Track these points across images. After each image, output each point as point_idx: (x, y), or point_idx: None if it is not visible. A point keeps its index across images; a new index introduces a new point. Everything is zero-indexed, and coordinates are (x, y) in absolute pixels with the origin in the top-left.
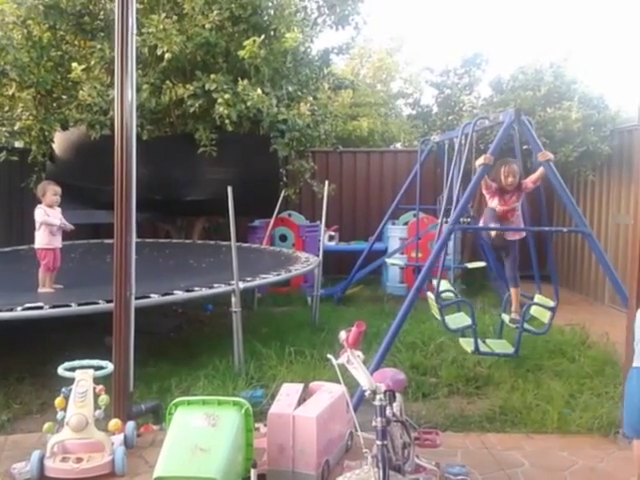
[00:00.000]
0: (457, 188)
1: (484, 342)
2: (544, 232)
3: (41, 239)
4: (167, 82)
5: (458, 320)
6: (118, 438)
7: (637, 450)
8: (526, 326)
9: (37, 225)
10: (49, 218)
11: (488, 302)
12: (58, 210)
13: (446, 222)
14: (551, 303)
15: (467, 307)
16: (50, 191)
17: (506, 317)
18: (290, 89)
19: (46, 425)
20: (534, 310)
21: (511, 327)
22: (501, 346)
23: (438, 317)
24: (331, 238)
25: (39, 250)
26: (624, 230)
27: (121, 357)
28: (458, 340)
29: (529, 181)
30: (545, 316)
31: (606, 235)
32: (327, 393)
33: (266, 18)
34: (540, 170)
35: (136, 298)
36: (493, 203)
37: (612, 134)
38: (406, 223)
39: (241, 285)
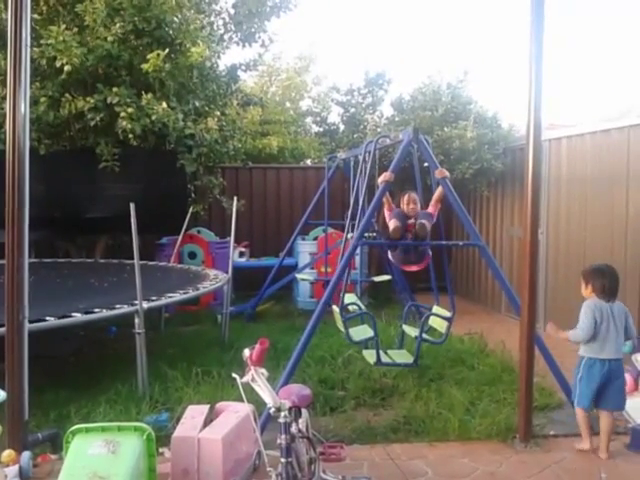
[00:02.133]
0: (361, 204)
1: (386, 353)
2: (441, 246)
3: None
4: (66, 95)
5: (361, 332)
6: (12, 470)
7: (583, 418)
8: (425, 336)
9: None
10: None
11: (393, 314)
12: None
13: (352, 237)
14: (448, 313)
15: (370, 319)
16: None
17: (406, 328)
18: (197, 104)
19: None
20: (432, 320)
21: (412, 338)
22: (401, 356)
23: (342, 329)
24: (241, 254)
25: None
26: (517, 242)
27: (14, 384)
28: (386, 352)
29: (430, 207)
30: (443, 326)
31: (501, 247)
32: (234, 413)
33: (171, 32)
34: (439, 190)
35: (30, 322)
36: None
37: (505, 152)
38: (316, 238)
39: (145, 305)
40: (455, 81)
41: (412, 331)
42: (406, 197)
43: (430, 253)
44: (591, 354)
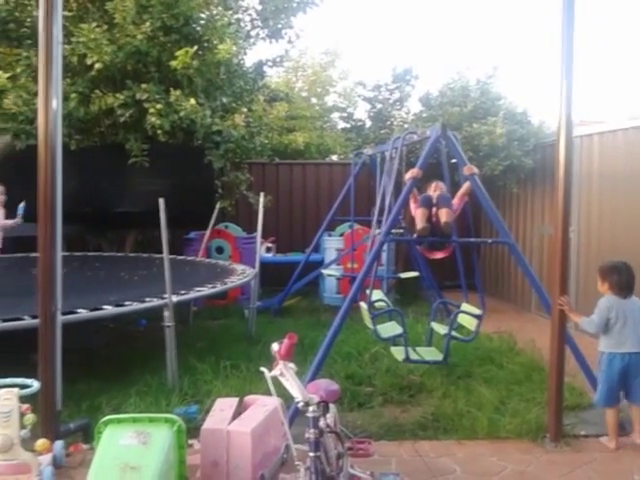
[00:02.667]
0: (388, 200)
1: (414, 350)
2: (469, 243)
3: None
4: (96, 91)
5: (389, 329)
6: (46, 458)
7: (610, 416)
8: (454, 334)
9: None
10: None
11: (420, 311)
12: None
13: (378, 233)
14: (477, 311)
15: (398, 316)
16: None
17: (435, 325)
18: (224, 100)
19: None
20: (461, 318)
21: (441, 335)
22: (430, 353)
23: (370, 326)
24: (268, 250)
25: None
26: (548, 240)
27: (48, 375)
28: (415, 349)
29: (455, 198)
30: (472, 324)
31: (531, 245)
32: (262, 407)
33: (198, 29)
34: (466, 185)
35: (63, 314)
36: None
37: (535, 148)
38: (342, 234)
39: (174, 299)
40: (484, 77)
41: (441, 328)
42: (433, 185)
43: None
44: (611, 349)
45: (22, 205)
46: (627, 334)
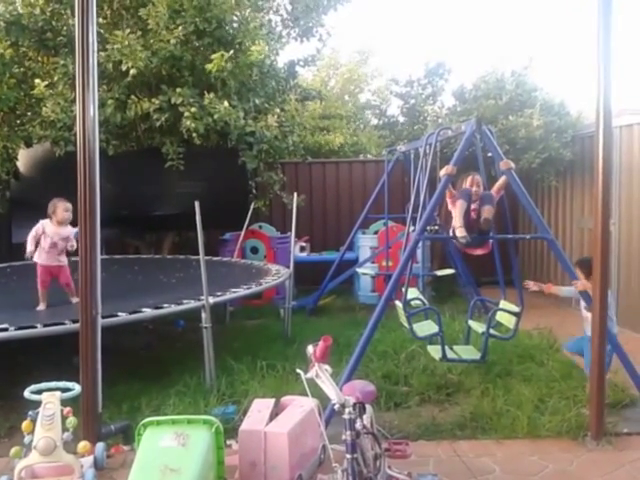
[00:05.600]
0: (423, 197)
1: (451, 349)
2: (507, 239)
3: (37, 254)
4: (132, 97)
5: (426, 328)
6: (88, 460)
7: None
8: (492, 332)
9: None
10: (30, 239)
11: (457, 309)
12: (69, 228)
13: (413, 231)
14: (516, 308)
15: (434, 315)
16: (60, 208)
17: (473, 323)
18: (257, 102)
19: (13, 449)
20: (499, 316)
21: (478, 333)
22: (468, 352)
23: (406, 325)
24: (302, 249)
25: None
26: (588, 234)
27: (88, 378)
28: (452, 348)
29: (492, 191)
30: (510, 321)
31: (571, 239)
32: (299, 407)
33: (231, 32)
34: (502, 179)
35: (103, 317)
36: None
37: (574, 140)
38: (376, 232)
39: (211, 300)
40: (519, 68)
41: (478, 327)
42: (470, 179)
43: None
44: None
45: (76, 230)
46: None
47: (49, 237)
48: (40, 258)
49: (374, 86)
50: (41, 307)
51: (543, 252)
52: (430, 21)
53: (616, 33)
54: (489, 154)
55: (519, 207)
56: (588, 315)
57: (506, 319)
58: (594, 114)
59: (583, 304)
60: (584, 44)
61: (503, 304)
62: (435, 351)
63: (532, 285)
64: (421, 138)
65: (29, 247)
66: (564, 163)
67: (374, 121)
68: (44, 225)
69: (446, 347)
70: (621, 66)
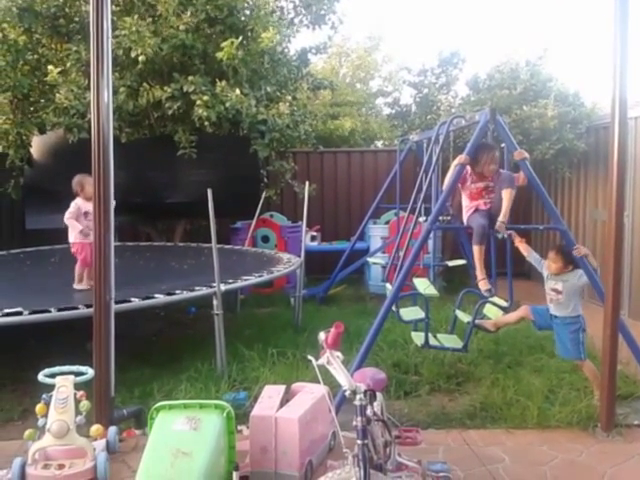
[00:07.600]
0: (434, 187)
1: (434, 336)
2: (521, 230)
3: (76, 233)
4: (144, 84)
5: (412, 313)
6: (100, 443)
7: (586, 368)
8: (477, 322)
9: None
10: (71, 220)
11: (467, 299)
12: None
13: (425, 221)
14: (505, 303)
15: (424, 302)
16: (89, 183)
17: (459, 313)
18: (269, 89)
19: (27, 432)
20: (487, 309)
21: (464, 323)
22: (451, 341)
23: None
24: (313, 238)
25: (74, 244)
26: (601, 226)
27: (102, 362)
28: (435, 336)
29: (519, 177)
30: (498, 315)
31: (584, 231)
32: (309, 394)
33: (242, 19)
34: (521, 178)
35: (116, 302)
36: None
37: (588, 131)
38: (387, 222)
39: (222, 287)
40: (534, 58)
41: (464, 317)
42: (489, 156)
43: None
44: None
45: None
46: None
47: (89, 213)
48: (80, 237)
49: (385, 72)
50: (85, 286)
51: (556, 242)
52: (443, 9)
53: (633, 23)
54: (502, 145)
55: (533, 198)
56: (557, 297)
57: (494, 313)
58: (609, 105)
59: (551, 284)
60: (600, 34)
61: (493, 298)
62: (418, 337)
63: (514, 235)
64: (434, 127)
65: (78, 226)
66: (578, 154)
67: (386, 109)
68: (78, 204)
69: (429, 334)
70: (638, 57)
